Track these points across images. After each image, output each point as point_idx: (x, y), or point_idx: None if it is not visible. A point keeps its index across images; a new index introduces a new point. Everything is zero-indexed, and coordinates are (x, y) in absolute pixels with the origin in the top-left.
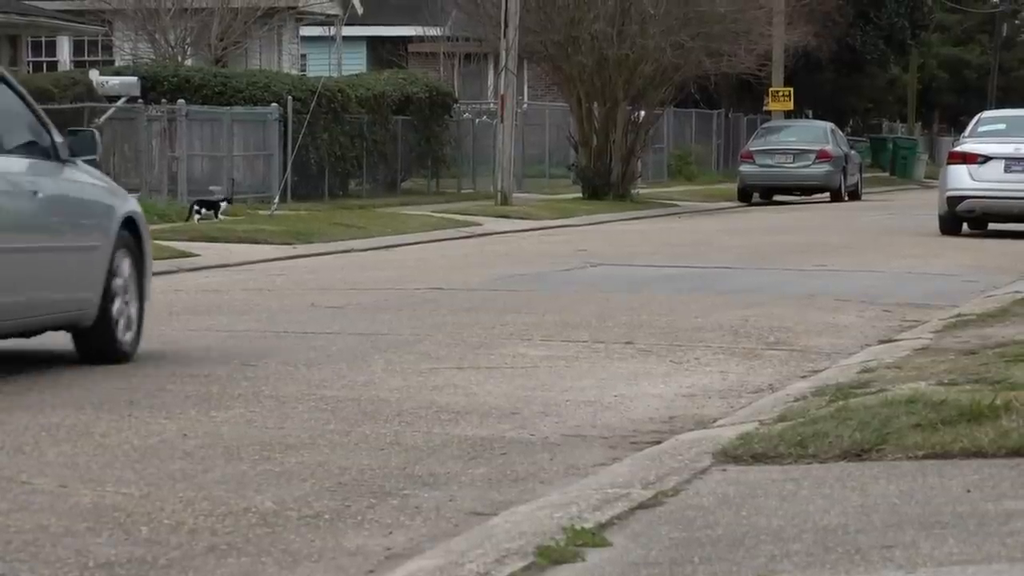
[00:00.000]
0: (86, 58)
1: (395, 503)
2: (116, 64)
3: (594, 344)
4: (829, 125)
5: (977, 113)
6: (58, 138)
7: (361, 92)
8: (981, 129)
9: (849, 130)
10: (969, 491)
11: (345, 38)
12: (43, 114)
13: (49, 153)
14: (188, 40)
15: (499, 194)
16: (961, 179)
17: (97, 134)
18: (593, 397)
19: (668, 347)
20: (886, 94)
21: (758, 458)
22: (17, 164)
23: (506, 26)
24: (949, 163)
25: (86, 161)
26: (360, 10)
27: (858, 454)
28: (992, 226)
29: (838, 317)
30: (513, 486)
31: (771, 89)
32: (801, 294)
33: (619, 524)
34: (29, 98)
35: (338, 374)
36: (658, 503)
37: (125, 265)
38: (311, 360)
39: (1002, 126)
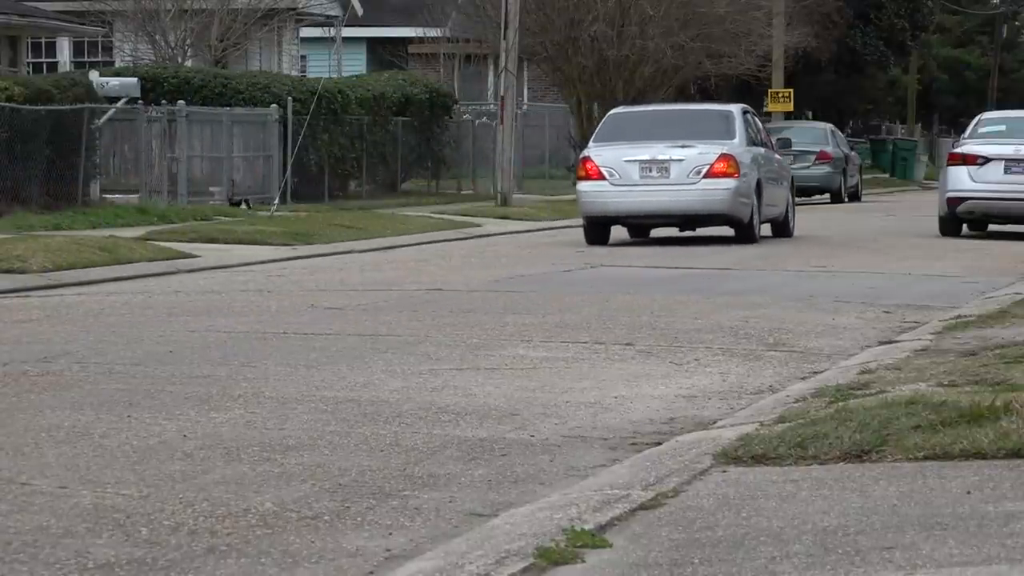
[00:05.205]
0: (86, 59)
1: (395, 504)
2: (116, 65)
3: (594, 345)
4: (829, 126)
5: (977, 114)
6: (770, 140)
7: (361, 93)
8: (981, 130)
9: (849, 131)
10: (969, 492)
11: (345, 39)
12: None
13: (768, 146)
14: (188, 41)
15: (499, 195)
16: (961, 180)
17: (789, 139)
18: (593, 398)
19: (668, 348)
20: (886, 95)
21: (758, 459)
22: (765, 151)
23: (506, 27)
24: (949, 164)
25: (779, 150)
26: (360, 11)
27: (858, 455)
28: (992, 227)
29: (838, 318)
30: (513, 487)
31: (771, 90)
32: (801, 295)
33: (619, 525)
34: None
35: (338, 375)
36: (658, 504)
37: (790, 196)
38: (311, 361)
39: (1002, 127)
